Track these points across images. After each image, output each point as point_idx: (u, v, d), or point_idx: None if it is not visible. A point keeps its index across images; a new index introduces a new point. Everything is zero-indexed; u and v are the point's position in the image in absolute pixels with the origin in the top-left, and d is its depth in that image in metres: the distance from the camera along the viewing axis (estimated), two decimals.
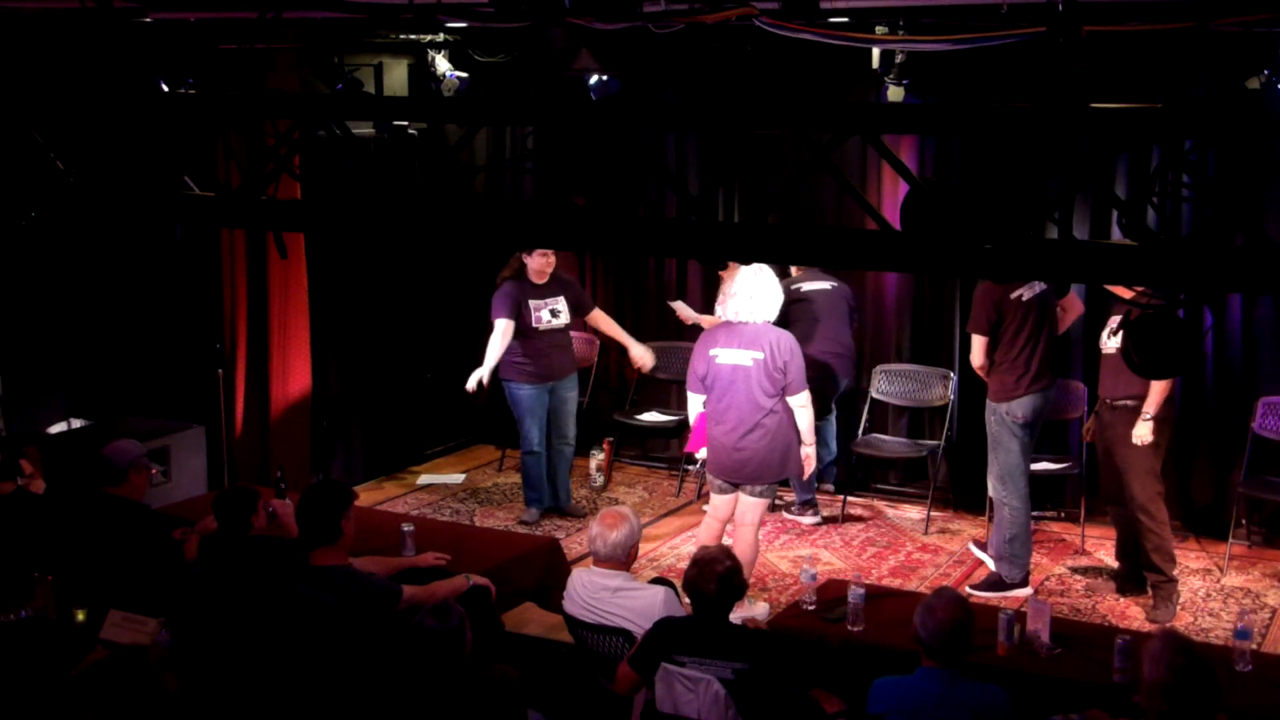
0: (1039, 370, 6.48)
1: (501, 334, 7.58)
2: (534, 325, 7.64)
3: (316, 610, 4.78)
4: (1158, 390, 6.22)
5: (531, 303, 7.64)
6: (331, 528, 4.93)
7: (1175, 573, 6.51)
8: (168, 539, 5.57)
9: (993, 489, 6.77)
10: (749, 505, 6.32)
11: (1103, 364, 6.49)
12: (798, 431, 6.27)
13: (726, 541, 6.35)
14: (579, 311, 7.81)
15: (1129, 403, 6.30)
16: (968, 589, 6.81)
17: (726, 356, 6.23)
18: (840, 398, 7.88)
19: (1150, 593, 6.52)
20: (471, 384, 7.58)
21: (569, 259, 8.72)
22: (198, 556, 5.48)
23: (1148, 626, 6.34)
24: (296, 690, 4.54)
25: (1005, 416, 6.53)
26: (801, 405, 6.23)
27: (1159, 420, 6.26)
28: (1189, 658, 3.77)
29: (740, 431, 6.22)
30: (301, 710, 4.48)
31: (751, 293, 6.22)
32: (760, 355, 6.15)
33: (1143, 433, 6.26)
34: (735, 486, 6.35)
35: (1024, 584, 6.73)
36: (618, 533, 4.97)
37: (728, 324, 6.28)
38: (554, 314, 7.69)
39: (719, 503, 6.44)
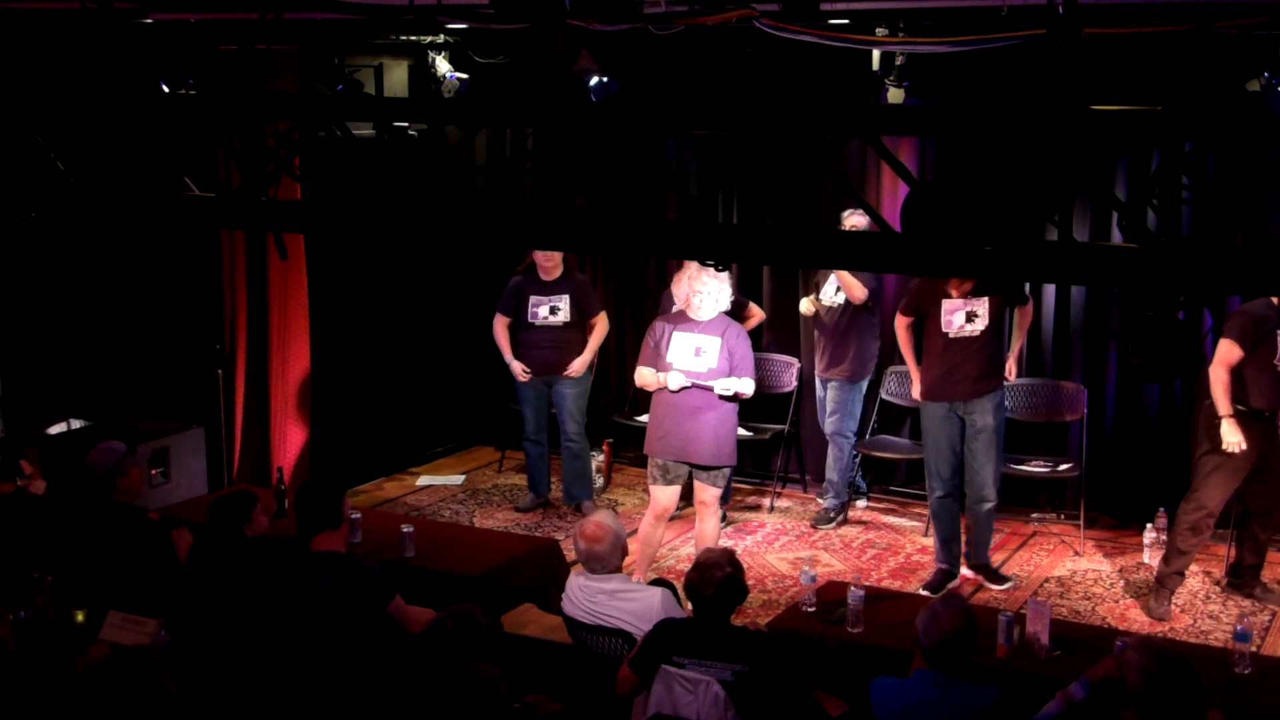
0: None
1: (497, 326, 7.92)
2: (529, 319, 7.80)
3: (314, 597, 4.80)
4: None
5: (532, 298, 7.80)
6: (333, 513, 4.96)
7: None
8: (164, 541, 5.58)
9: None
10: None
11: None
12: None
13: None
14: (583, 313, 7.83)
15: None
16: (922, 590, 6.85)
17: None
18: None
19: (1258, 595, 6.65)
20: (517, 373, 7.87)
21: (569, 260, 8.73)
22: (195, 558, 5.49)
23: (1151, 628, 6.36)
24: (296, 685, 4.55)
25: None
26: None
27: None
28: (1162, 662, 3.79)
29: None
30: (301, 705, 4.48)
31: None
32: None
33: None
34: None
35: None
36: (603, 545, 5.00)
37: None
38: (553, 311, 7.78)
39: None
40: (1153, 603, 6.51)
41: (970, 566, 6.94)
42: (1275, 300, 6.14)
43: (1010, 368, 7.01)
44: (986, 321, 6.56)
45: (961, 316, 6.57)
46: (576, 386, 7.91)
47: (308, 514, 5.00)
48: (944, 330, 6.61)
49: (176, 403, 8.09)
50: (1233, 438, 6.19)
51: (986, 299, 6.54)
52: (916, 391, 6.91)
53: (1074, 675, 4.21)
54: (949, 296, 6.56)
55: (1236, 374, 6.21)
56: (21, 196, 5.01)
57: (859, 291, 7.51)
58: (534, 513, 8.09)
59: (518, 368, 7.84)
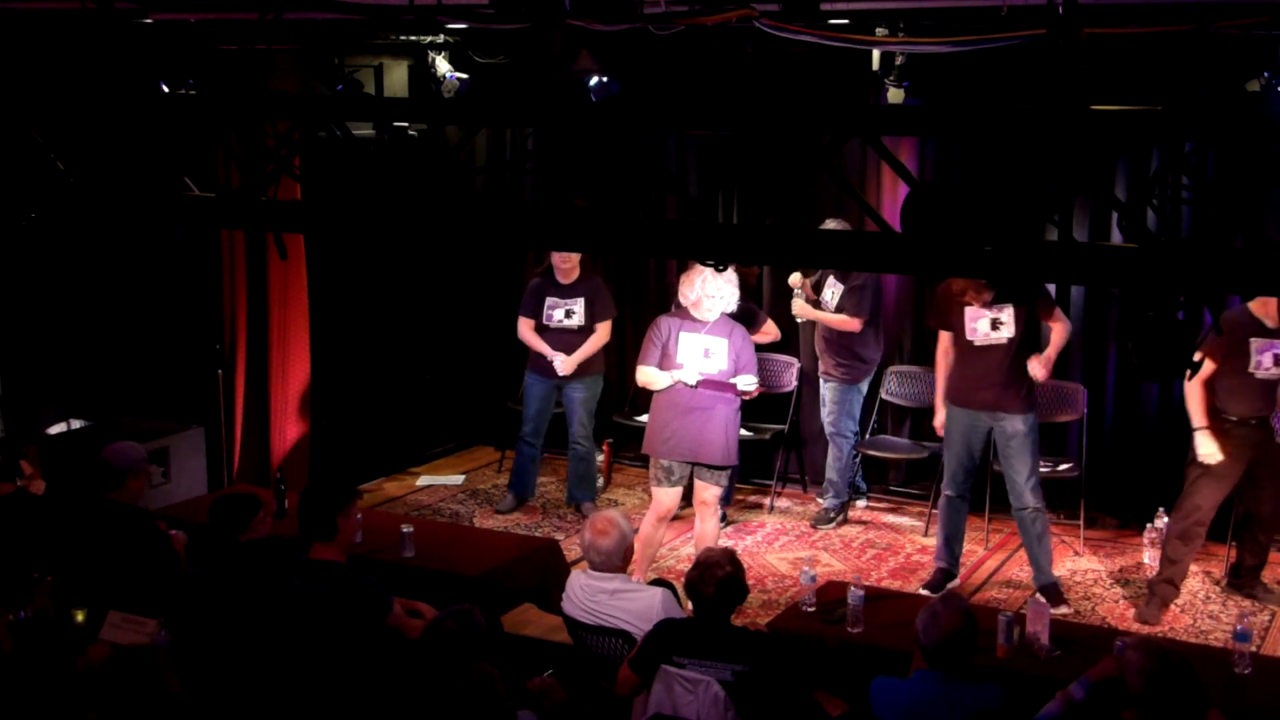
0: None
1: (522, 329, 7.88)
2: (544, 322, 7.79)
3: (311, 602, 4.80)
4: None
5: (549, 300, 7.79)
6: (326, 525, 4.95)
7: None
8: (164, 542, 5.57)
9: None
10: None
11: (1260, 385, 6.22)
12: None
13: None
14: (594, 316, 7.82)
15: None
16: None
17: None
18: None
19: (1258, 595, 6.69)
20: (560, 363, 7.71)
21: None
22: (195, 558, 5.49)
23: (1151, 628, 6.35)
24: (294, 684, 4.55)
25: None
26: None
27: None
28: (1162, 662, 3.79)
29: None
30: (298, 704, 4.49)
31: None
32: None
33: None
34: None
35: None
36: (608, 540, 4.98)
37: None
38: (568, 315, 7.77)
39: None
40: (1144, 606, 6.51)
41: (1037, 589, 6.72)
42: (1254, 307, 6.15)
43: (1035, 370, 6.50)
44: (1014, 330, 6.42)
45: (986, 324, 6.44)
46: (586, 390, 7.89)
47: (302, 524, 5.01)
48: (969, 338, 6.50)
49: (176, 403, 8.09)
50: (1206, 449, 6.21)
51: (1011, 307, 6.42)
52: (939, 421, 6.83)
53: (1074, 675, 4.21)
54: (970, 305, 6.45)
55: (1215, 384, 6.22)
56: (21, 196, 5.00)
57: (853, 326, 7.55)
58: (520, 513, 8.05)
59: (559, 359, 7.67)
